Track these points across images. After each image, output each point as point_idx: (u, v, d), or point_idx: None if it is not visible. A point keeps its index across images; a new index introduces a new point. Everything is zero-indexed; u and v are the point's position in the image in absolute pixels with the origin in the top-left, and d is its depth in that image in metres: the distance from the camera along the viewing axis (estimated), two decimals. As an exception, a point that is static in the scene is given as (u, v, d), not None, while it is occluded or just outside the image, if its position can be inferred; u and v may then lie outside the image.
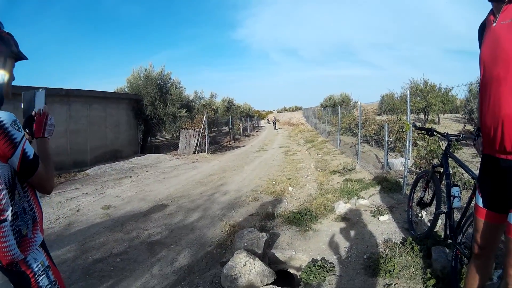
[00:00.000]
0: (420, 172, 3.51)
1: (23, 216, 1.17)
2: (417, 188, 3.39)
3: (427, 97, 14.45)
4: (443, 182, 2.77)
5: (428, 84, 15.32)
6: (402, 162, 5.56)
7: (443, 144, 3.94)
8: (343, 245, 3.24)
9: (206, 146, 13.32)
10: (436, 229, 2.95)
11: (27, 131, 1.30)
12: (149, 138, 15.33)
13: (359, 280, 2.54)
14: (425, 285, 2.28)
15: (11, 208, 1.11)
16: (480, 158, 1.57)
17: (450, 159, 2.70)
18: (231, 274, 2.54)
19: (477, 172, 1.64)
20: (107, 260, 3.28)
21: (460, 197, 2.45)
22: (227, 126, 23.84)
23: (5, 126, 1.07)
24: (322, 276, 2.60)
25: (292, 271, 3.12)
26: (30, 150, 1.14)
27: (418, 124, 3.39)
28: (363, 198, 4.62)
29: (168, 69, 14.41)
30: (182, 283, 2.81)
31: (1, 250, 1.11)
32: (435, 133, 2.88)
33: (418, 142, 5.14)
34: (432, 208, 3.09)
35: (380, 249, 2.99)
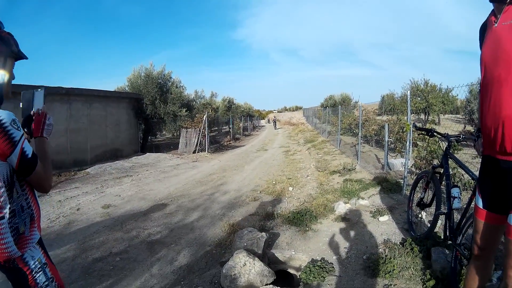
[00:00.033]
0: (420, 173, 3.51)
1: (20, 214, 1.18)
2: (417, 188, 3.38)
3: (427, 98, 14.46)
4: (443, 183, 2.76)
5: (429, 85, 15.33)
6: (402, 163, 5.55)
7: (443, 144, 3.94)
8: (343, 245, 3.24)
9: (206, 146, 13.32)
10: (436, 230, 2.95)
11: (25, 130, 1.31)
12: (149, 137, 15.34)
13: (358, 281, 2.54)
14: (424, 286, 2.28)
15: (9, 206, 1.12)
16: (480, 159, 1.57)
17: (450, 160, 2.70)
18: (231, 274, 2.54)
19: (477, 173, 1.64)
20: (106, 259, 3.28)
21: (460, 198, 2.44)
22: (227, 126, 23.87)
23: (5, 125, 1.08)
24: (321, 277, 2.60)
25: (291, 271, 3.12)
26: (29, 149, 1.15)
27: (419, 125, 3.40)
28: (363, 198, 4.62)
29: (168, 69, 14.43)
30: (182, 282, 2.81)
31: None
32: (435, 133, 2.87)
33: (418, 142, 5.14)
34: (432, 209, 3.09)
35: (380, 249, 2.99)
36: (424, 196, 3.10)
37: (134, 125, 12.99)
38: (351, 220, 3.88)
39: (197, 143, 12.93)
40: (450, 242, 2.44)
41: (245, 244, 3.02)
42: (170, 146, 15.20)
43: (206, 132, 13.28)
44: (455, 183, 3.51)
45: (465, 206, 2.33)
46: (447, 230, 2.46)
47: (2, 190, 1.10)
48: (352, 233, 3.52)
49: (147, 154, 12.15)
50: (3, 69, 1.17)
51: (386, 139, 6.12)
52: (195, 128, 13.14)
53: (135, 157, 11.34)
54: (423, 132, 3.02)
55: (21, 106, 1.35)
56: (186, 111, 14.01)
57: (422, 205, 3.15)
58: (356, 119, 11.84)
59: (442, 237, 2.66)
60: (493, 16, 1.33)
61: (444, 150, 2.81)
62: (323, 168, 7.75)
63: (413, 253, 2.65)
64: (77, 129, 9.74)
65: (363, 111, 9.75)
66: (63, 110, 9.30)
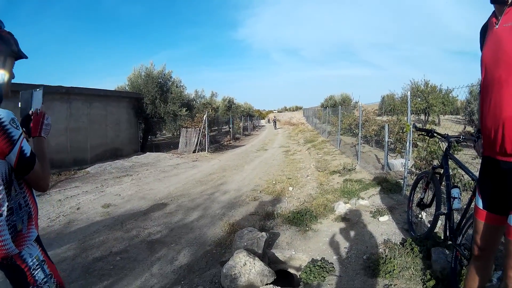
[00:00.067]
0: (420, 173, 3.52)
1: (18, 212, 1.19)
2: (417, 189, 3.39)
3: (427, 98, 14.47)
4: (443, 183, 2.77)
5: (429, 85, 15.35)
6: (402, 163, 5.56)
7: (443, 145, 3.95)
8: (343, 245, 3.25)
9: (206, 145, 13.32)
10: (436, 230, 2.96)
11: (24, 129, 1.32)
12: (149, 137, 15.34)
13: (358, 281, 2.54)
14: (424, 286, 2.29)
15: (6, 204, 1.14)
16: (480, 160, 1.58)
17: (450, 160, 2.71)
18: (231, 273, 2.54)
19: (477, 174, 1.64)
20: (107, 259, 3.28)
21: (460, 198, 2.45)
22: (227, 125, 23.86)
23: (4, 124, 1.09)
24: (322, 276, 2.61)
25: (292, 271, 3.12)
26: (27, 148, 1.16)
27: (419, 125, 3.40)
28: (363, 198, 4.62)
29: (168, 68, 14.45)
30: (182, 282, 2.81)
31: None
32: (435, 134, 2.88)
33: (418, 143, 5.15)
34: (432, 209, 3.09)
35: (380, 249, 2.99)
36: (424, 197, 3.10)
37: (134, 124, 12.99)
38: (351, 220, 3.88)
39: (197, 143, 12.93)
40: (450, 242, 2.45)
41: (245, 243, 3.03)
42: (170, 145, 15.19)
43: (206, 132, 13.28)
44: (455, 184, 3.51)
45: (465, 206, 2.34)
46: (447, 231, 2.47)
47: (1, 188, 1.12)
48: (352, 233, 3.52)
49: (147, 153, 12.16)
50: (2, 69, 1.18)
51: (386, 139, 6.13)
52: (195, 128, 13.14)
53: (135, 156, 11.34)
54: (423, 132, 3.03)
55: (19, 105, 1.36)
56: (186, 110, 14.02)
57: (422, 206, 3.16)
58: (356, 119, 11.85)
59: (442, 238, 2.67)
60: (494, 17, 1.34)
61: (444, 150, 2.82)
62: (323, 168, 7.76)
63: (413, 253, 2.65)
64: (77, 128, 9.74)
65: (363, 111, 9.76)
66: (63, 109, 9.31)
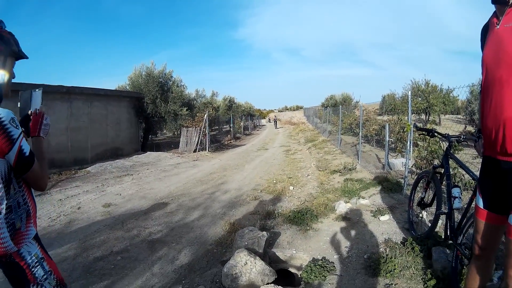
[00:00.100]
0: (420, 173, 3.52)
1: (17, 210, 1.21)
2: (418, 188, 3.39)
3: (428, 98, 14.46)
4: (444, 182, 2.77)
5: (430, 85, 15.33)
6: (402, 163, 5.56)
7: (444, 145, 3.95)
8: (344, 244, 3.25)
9: (207, 145, 13.33)
10: (437, 229, 2.96)
11: (23, 129, 1.33)
12: (150, 136, 15.35)
13: (359, 280, 2.55)
14: (425, 285, 2.29)
15: (5, 202, 1.15)
16: (480, 159, 1.58)
17: (450, 160, 2.71)
18: (232, 273, 2.54)
19: (477, 173, 1.65)
20: (107, 258, 3.29)
21: (460, 198, 2.45)
22: (228, 125, 23.86)
23: (4, 123, 1.10)
24: (322, 276, 2.61)
25: (292, 270, 3.13)
26: (27, 147, 1.18)
27: (419, 125, 3.40)
28: (363, 198, 4.63)
29: (169, 68, 14.44)
30: (183, 281, 2.82)
31: None
32: (436, 134, 2.88)
33: (419, 142, 5.14)
34: (433, 209, 3.09)
35: (381, 249, 2.99)
36: (424, 196, 3.11)
37: (134, 124, 12.99)
38: (352, 219, 3.88)
39: (197, 142, 12.94)
40: (451, 241, 2.45)
41: (246, 243, 3.03)
42: (171, 145, 15.21)
43: (206, 131, 13.29)
44: (456, 183, 3.51)
45: (465, 206, 2.34)
46: (448, 230, 2.47)
47: (0, 186, 1.13)
48: (353, 232, 3.53)
49: (148, 153, 12.17)
50: (3, 69, 1.19)
51: (387, 139, 6.13)
52: (195, 127, 13.15)
53: (136, 156, 11.36)
54: (423, 132, 3.02)
55: (18, 105, 1.37)
56: (187, 110, 14.02)
57: (423, 205, 3.16)
58: (356, 119, 11.84)
59: (443, 237, 2.67)
60: (495, 18, 1.34)
61: (444, 150, 2.82)
62: (323, 168, 7.76)
63: (414, 253, 2.65)
64: (77, 128, 9.75)
65: (364, 111, 9.76)
66: (63, 108, 9.31)
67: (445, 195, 2.66)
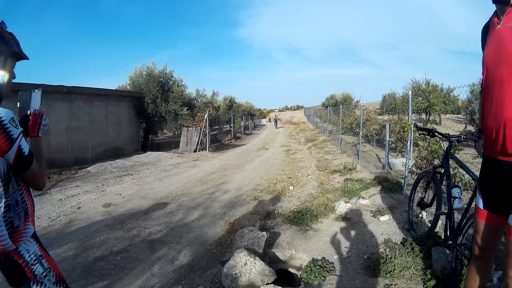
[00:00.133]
0: (421, 173, 3.51)
1: (15, 208, 1.22)
2: (418, 188, 3.39)
3: (429, 98, 14.44)
4: (444, 183, 2.76)
5: (430, 85, 15.31)
6: (403, 162, 5.55)
7: (444, 145, 3.94)
8: (344, 245, 3.25)
9: (207, 144, 13.33)
10: (437, 230, 2.95)
11: (22, 129, 1.34)
12: (150, 136, 15.35)
13: (359, 280, 2.54)
14: (425, 285, 2.29)
15: (4, 200, 1.16)
16: (481, 160, 1.57)
17: (451, 160, 2.70)
18: (232, 273, 2.54)
19: (477, 173, 1.64)
20: (107, 258, 3.29)
21: (460, 198, 2.45)
22: (228, 125, 23.86)
23: (4, 123, 1.11)
24: (322, 276, 2.61)
25: (292, 270, 3.12)
26: (26, 147, 1.18)
27: (420, 125, 3.40)
28: (363, 198, 4.62)
29: (170, 67, 14.43)
30: (183, 281, 2.82)
31: None
32: (436, 133, 2.88)
33: (419, 142, 5.14)
34: (433, 209, 3.09)
35: (381, 249, 2.99)
36: (424, 196, 3.10)
37: (135, 123, 12.99)
38: (352, 219, 3.88)
39: (198, 142, 12.94)
40: (450, 242, 2.44)
41: (246, 243, 3.03)
42: (171, 144, 15.21)
43: (207, 131, 13.28)
44: (456, 183, 3.51)
45: (465, 206, 2.33)
46: (448, 230, 2.47)
47: None
48: (352, 232, 3.52)
49: (148, 152, 12.17)
50: (3, 69, 1.20)
51: (387, 138, 6.12)
52: (196, 127, 13.14)
53: (136, 155, 11.36)
54: (424, 132, 3.02)
55: (18, 106, 1.38)
56: (187, 110, 14.01)
57: (423, 205, 3.16)
58: (357, 119, 11.84)
59: (443, 237, 2.67)
60: (496, 17, 1.33)
61: (445, 150, 2.81)
62: (324, 168, 7.76)
63: (413, 253, 2.65)
64: (78, 128, 9.75)
65: (364, 110, 9.75)
66: (64, 108, 9.31)
67: (445, 195, 2.66)
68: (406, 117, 6.33)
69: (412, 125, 4.04)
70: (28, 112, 1.36)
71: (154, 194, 6.03)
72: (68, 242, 3.69)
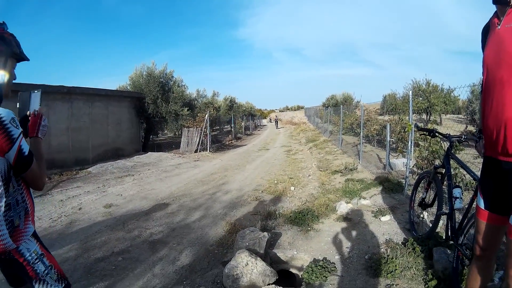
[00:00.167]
0: (421, 173, 3.51)
1: (16, 208, 1.23)
2: (419, 188, 3.39)
3: (429, 98, 14.44)
4: (445, 183, 2.76)
5: (431, 85, 15.31)
6: (404, 163, 5.55)
7: (445, 145, 3.94)
8: (345, 245, 3.25)
9: (208, 145, 13.33)
10: (438, 230, 2.95)
11: (22, 130, 1.35)
12: (151, 137, 15.36)
13: (360, 281, 2.55)
14: (426, 286, 2.29)
15: (4, 200, 1.17)
16: (481, 160, 1.58)
17: (451, 160, 2.71)
18: (233, 273, 2.54)
19: (478, 174, 1.64)
20: (109, 259, 3.29)
21: (461, 198, 2.44)
22: (229, 125, 23.87)
23: (4, 123, 1.12)
24: (323, 276, 2.61)
25: (293, 271, 3.13)
26: (26, 147, 1.20)
27: (420, 125, 3.39)
28: (364, 198, 4.62)
29: (170, 68, 14.44)
30: (184, 282, 2.82)
31: None
32: (437, 134, 2.88)
33: (420, 142, 5.14)
34: (434, 209, 3.09)
35: (382, 249, 2.99)
36: (425, 196, 3.10)
37: (135, 124, 13.01)
38: (353, 220, 3.88)
39: (198, 143, 12.95)
40: (451, 242, 2.44)
41: (247, 243, 3.03)
42: (172, 145, 15.22)
43: (207, 131, 13.29)
44: (457, 184, 3.51)
45: (466, 206, 2.34)
46: (449, 230, 2.47)
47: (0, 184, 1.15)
48: (354, 233, 3.52)
49: (149, 153, 12.18)
50: (3, 69, 1.21)
51: (388, 139, 6.12)
52: (196, 128, 13.15)
53: (137, 156, 11.37)
54: (425, 132, 3.02)
55: (17, 106, 1.39)
56: (188, 110, 14.02)
57: (424, 205, 3.16)
58: (358, 119, 11.83)
59: (444, 237, 2.67)
60: (496, 18, 1.33)
61: (445, 150, 2.81)
62: (324, 168, 7.76)
63: (415, 253, 2.65)
64: (78, 128, 9.77)
65: (365, 110, 9.75)
66: (64, 109, 9.33)
67: (446, 196, 2.66)
68: (407, 117, 6.34)
69: (413, 126, 4.04)
70: (28, 112, 1.37)
71: (155, 194, 6.03)
72: (69, 243, 3.70)
